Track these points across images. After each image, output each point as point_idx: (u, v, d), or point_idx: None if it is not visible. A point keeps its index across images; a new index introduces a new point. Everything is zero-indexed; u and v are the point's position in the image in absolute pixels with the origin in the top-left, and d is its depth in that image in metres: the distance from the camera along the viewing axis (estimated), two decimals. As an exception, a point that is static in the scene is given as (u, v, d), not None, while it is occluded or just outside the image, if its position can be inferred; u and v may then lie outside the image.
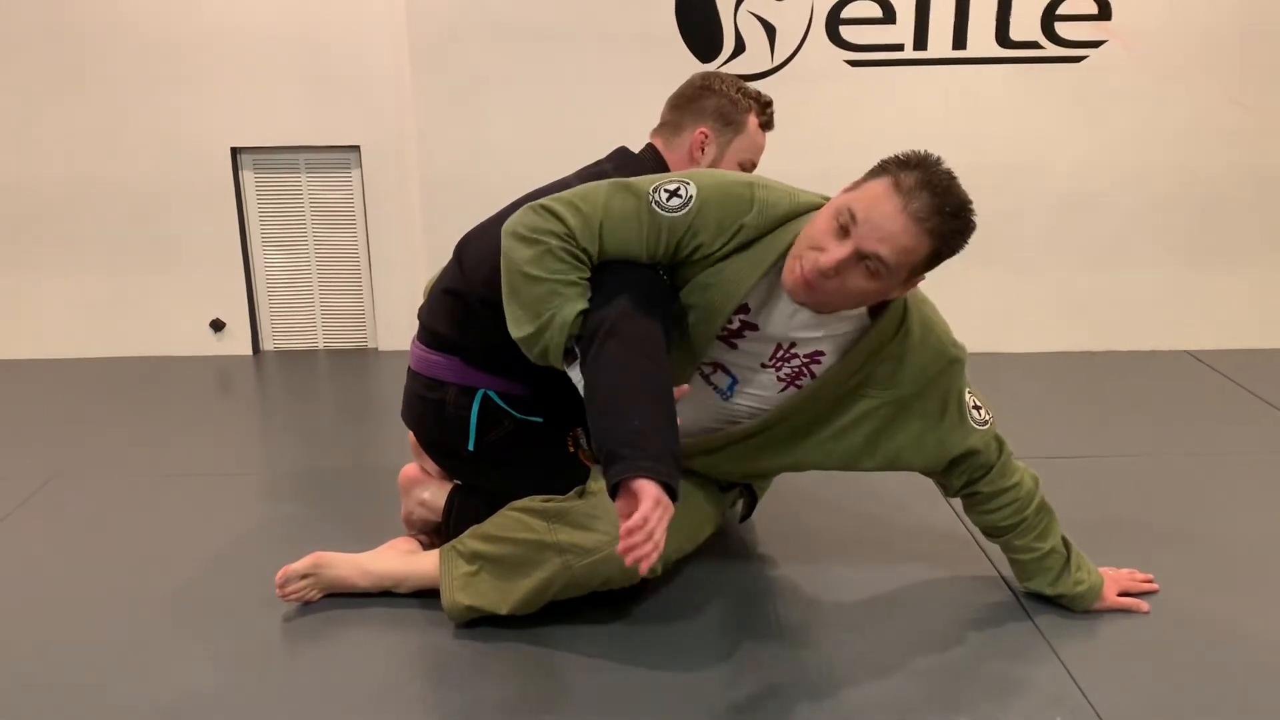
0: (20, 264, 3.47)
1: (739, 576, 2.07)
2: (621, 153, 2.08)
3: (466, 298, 1.91)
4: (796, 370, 1.78)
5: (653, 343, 1.60)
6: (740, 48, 3.26)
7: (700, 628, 1.90)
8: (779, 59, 3.27)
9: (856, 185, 1.63)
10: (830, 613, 1.95)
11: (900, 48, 3.26)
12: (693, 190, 1.69)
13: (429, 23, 3.22)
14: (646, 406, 1.53)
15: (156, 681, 1.75)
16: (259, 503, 2.44)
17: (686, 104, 2.07)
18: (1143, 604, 1.94)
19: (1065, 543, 1.92)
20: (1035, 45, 3.26)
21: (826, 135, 3.28)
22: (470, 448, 1.93)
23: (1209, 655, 1.80)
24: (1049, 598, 1.93)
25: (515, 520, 1.85)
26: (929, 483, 1.95)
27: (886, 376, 1.78)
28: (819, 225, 1.61)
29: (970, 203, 1.58)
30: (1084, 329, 3.53)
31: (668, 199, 1.68)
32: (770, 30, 3.25)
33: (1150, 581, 2.00)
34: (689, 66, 3.24)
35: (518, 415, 1.93)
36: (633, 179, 1.72)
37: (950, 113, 3.31)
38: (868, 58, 3.27)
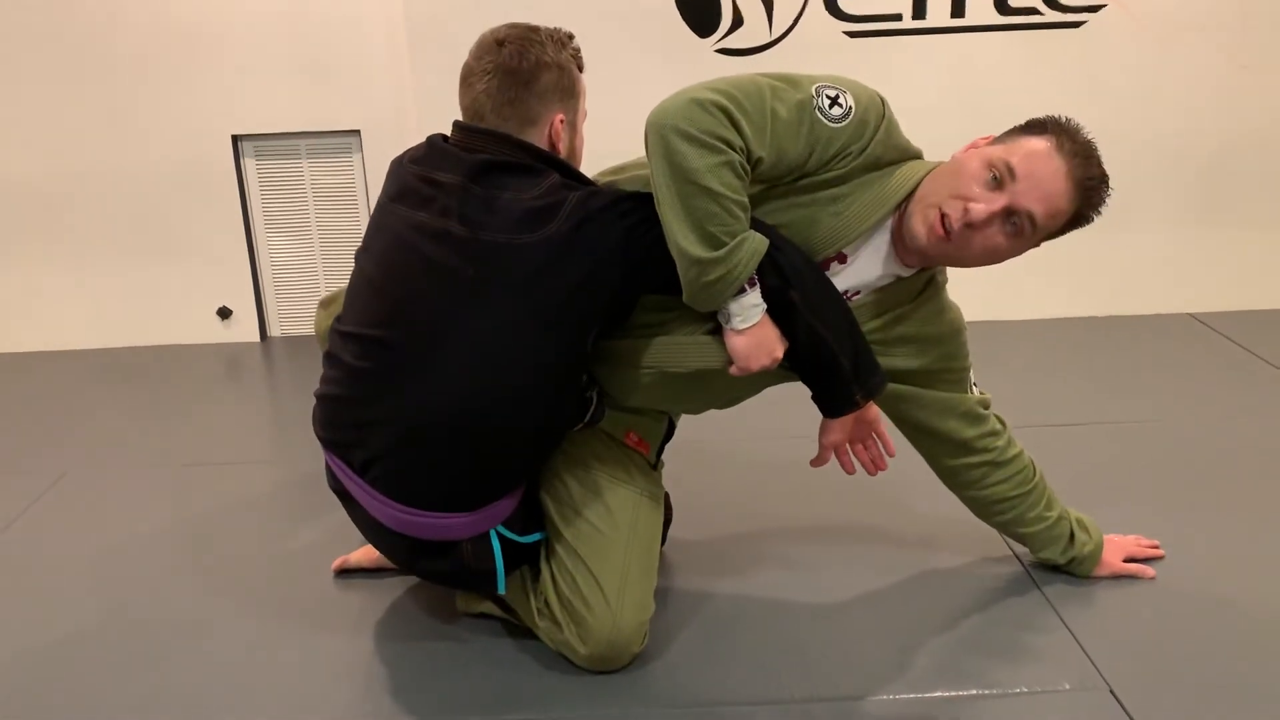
0: (26, 257, 3.48)
1: (748, 555, 2.10)
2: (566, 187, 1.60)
3: (494, 443, 1.63)
4: None
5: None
6: (738, 21, 3.24)
7: (710, 605, 1.92)
8: (777, 32, 3.26)
9: (1002, 141, 1.59)
10: (840, 587, 1.97)
11: (898, 18, 3.25)
12: (851, 101, 1.57)
13: (426, 4, 3.21)
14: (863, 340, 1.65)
15: (171, 668, 1.78)
16: (270, 489, 2.47)
17: (525, 88, 1.65)
18: (1148, 570, 1.96)
19: (1064, 508, 1.94)
20: (1034, 11, 3.24)
21: (826, 108, 3.27)
22: (501, 590, 1.76)
23: (1214, 620, 1.82)
24: (1057, 565, 1.95)
25: (526, 613, 1.80)
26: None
27: (899, 340, 1.75)
28: (968, 174, 1.56)
29: None
30: (1086, 294, 3.54)
31: (830, 106, 1.54)
32: (768, 3, 3.23)
33: (1156, 547, 2.01)
34: (686, 41, 3.24)
35: (525, 542, 1.76)
36: (788, 75, 1.55)
37: (950, 82, 3.29)
38: (866, 28, 3.26)
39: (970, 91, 3.30)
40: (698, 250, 1.49)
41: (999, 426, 1.87)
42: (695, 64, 3.26)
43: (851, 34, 3.26)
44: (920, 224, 1.58)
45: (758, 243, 1.51)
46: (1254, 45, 3.28)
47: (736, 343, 1.58)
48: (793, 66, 3.05)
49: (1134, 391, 2.90)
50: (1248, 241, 3.48)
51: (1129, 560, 1.97)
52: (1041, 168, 1.55)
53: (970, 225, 1.55)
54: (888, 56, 3.27)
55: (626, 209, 1.58)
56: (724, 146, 1.46)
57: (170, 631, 1.89)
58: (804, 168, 1.57)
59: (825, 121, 1.55)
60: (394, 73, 3.31)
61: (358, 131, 3.39)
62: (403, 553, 1.75)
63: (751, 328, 1.57)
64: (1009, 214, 1.56)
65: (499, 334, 1.56)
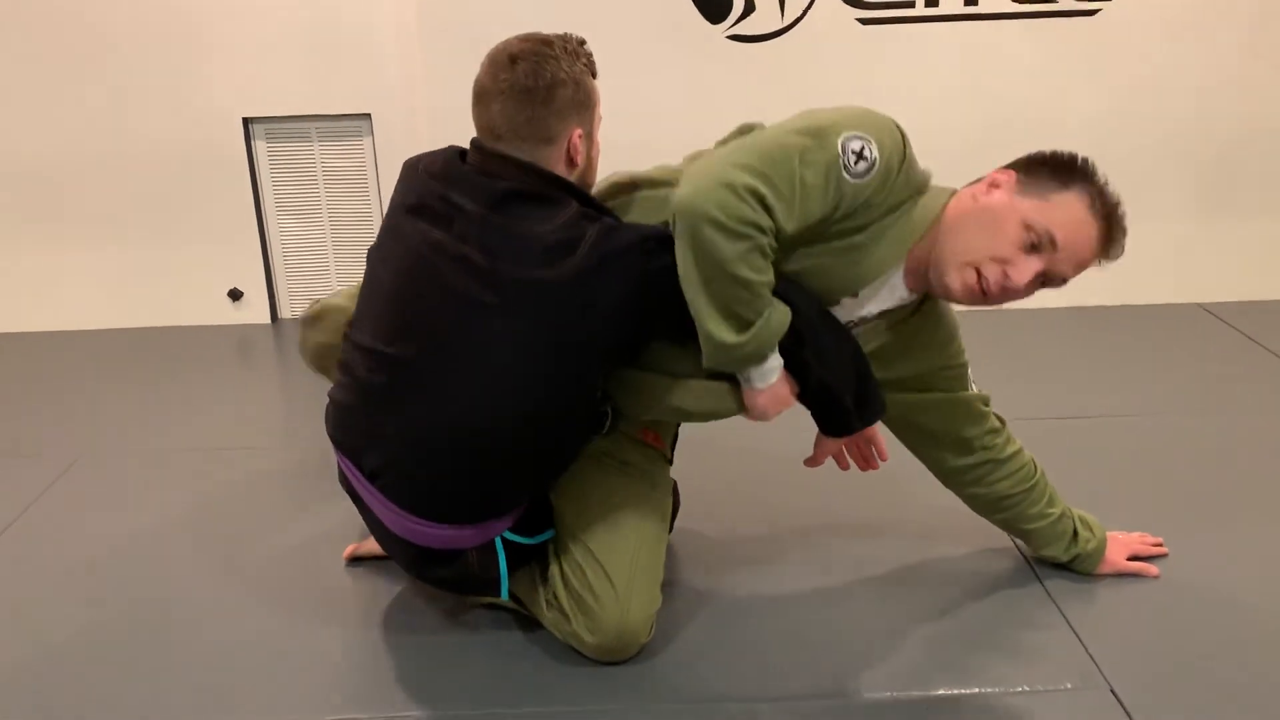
0: (39, 239, 3.49)
1: (754, 548, 2.12)
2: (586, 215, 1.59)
3: (501, 466, 1.65)
4: None
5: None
6: (750, 8, 3.23)
7: (715, 597, 1.94)
8: (789, 19, 3.24)
9: (1033, 193, 1.58)
10: (845, 581, 1.99)
11: (912, 4, 3.23)
12: (876, 152, 1.53)
13: (437, -12, 3.20)
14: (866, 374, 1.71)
15: (179, 656, 1.81)
16: (281, 475, 2.49)
17: (542, 107, 1.62)
18: (1152, 568, 1.96)
19: (1066, 506, 1.95)
20: (1048, -1, 3.23)
21: (838, 96, 3.19)
22: (505, 596, 1.80)
23: (1218, 620, 1.83)
24: (1060, 563, 1.96)
25: (534, 605, 1.83)
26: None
27: (900, 354, 1.79)
28: (1005, 235, 1.56)
29: None
30: (1094, 284, 3.50)
31: (855, 162, 1.53)
32: (780, -11, 3.22)
33: (1160, 545, 2.02)
34: (698, 28, 3.23)
35: (534, 543, 1.79)
36: (814, 127, 1.51)
37: (963, 70, 3.28)
38: (879, 15, 3.24)
39: (983, 79, 3.29)
40: (727, 336, 1.53)
41: (998, 424, 1.89)
42: (706, 51, 3.25)
43: (865, 21, 3.24)
44: (956, 281, 1.60)
45: (782, 315, 1.56)
46: (1268, 34, 3.25)
47: (756, 400, 1.65)
48: (805, 54, 3.10)
49: (1140, 384, 2.89)
50: (1257, 232, 3.47)
51: (1132, 558, 1.97)
52: (1082, 237, 1.59)
53: (1009, 291, 1.59)
54: (901, 44, 3.26)
55: (650, 249, 1.56)
56: (755, 232, 1.48)
57: (178, 620, 1.92)
58: (827, 221, 1.57)
59: (850, 180, 1.53)
60: (405, 56, 3.30)
61: (368, 115, 3.39)
62: (408, 558, 1.77)
63: (770, 386, 1.64)
64: (1043, 277, 1.60)
65: (512, 363, 1.57)
